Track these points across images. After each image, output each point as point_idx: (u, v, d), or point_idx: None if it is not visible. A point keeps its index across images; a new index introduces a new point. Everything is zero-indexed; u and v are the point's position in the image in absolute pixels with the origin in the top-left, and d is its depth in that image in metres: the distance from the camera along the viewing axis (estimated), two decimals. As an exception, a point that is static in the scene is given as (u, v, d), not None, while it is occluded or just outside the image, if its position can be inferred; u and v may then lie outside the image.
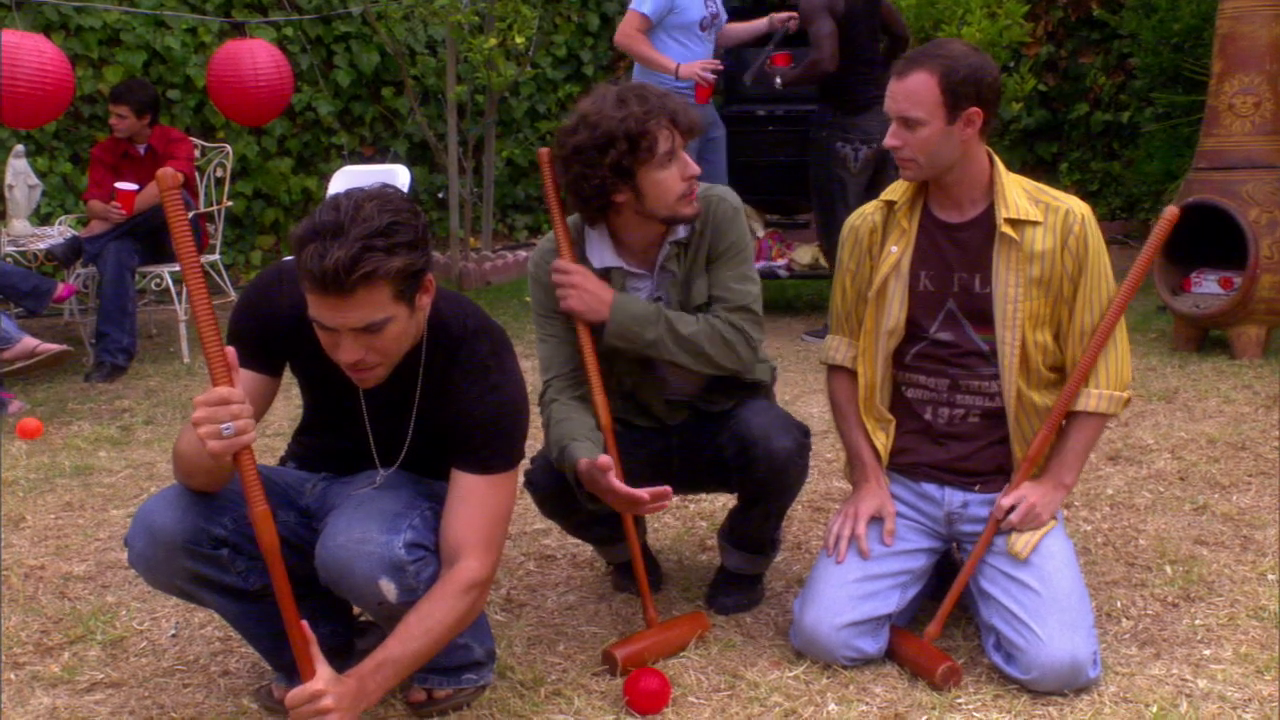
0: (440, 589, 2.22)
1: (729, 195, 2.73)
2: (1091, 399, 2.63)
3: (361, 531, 2.23)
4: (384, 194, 2.11)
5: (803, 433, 2.74)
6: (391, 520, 2.25)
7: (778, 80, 6.01)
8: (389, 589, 2.21)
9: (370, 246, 2.02)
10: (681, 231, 2.68)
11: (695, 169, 2.62)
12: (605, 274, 2.70)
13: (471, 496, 2.27)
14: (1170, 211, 2.63)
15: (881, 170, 5.80)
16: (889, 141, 2.63)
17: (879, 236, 2.73)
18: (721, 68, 5.89)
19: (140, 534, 2.24)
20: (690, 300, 2.72)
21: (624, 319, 2.64)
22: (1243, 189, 5.31)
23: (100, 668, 2.69)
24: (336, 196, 2.10)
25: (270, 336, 2.30)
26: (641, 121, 2.53)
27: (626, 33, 5.90)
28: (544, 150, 2.73)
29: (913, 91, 2.56)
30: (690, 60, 5.84)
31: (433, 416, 2.34)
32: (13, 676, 2.65)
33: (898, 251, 2.69)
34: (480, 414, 2.28)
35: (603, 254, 2.70)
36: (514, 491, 2.36)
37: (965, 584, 2.64)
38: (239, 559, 2.29)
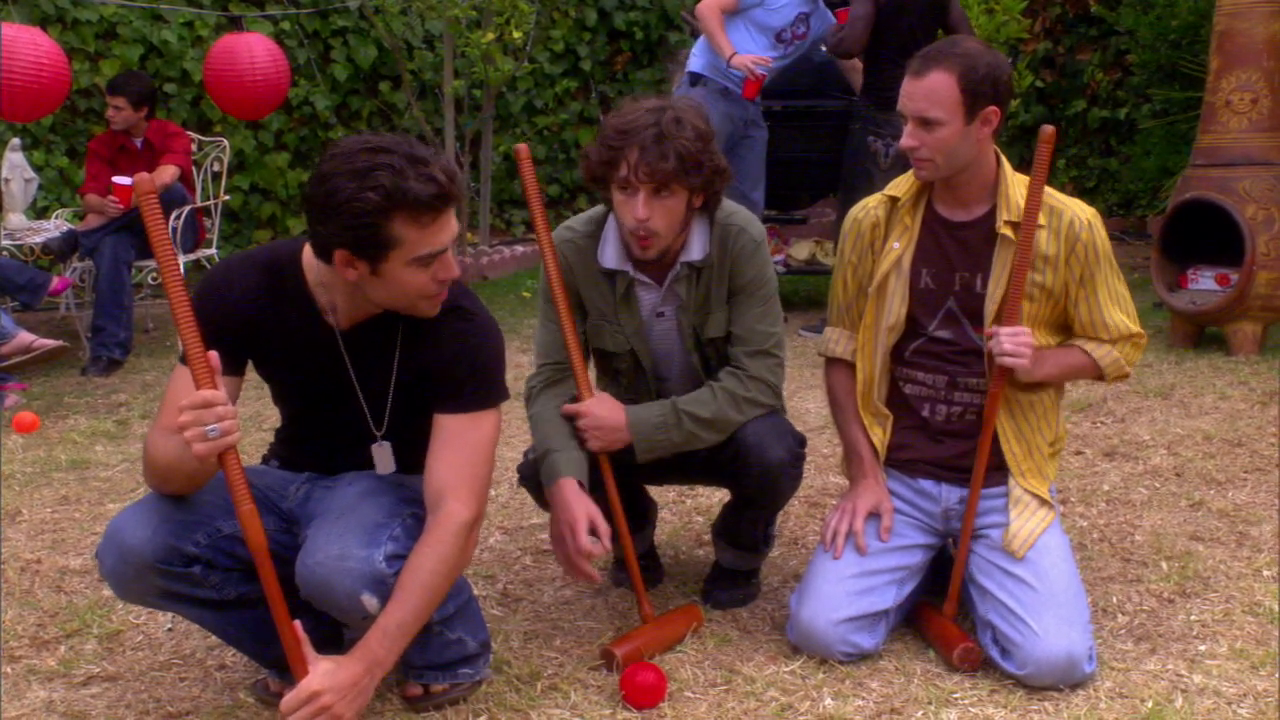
0: (428, 537, 2.21)
1: (751, 226, 2.68)
2: (1103, 352, 2.64)
3: (340, 547, 2.21)
4: (380, 133, 2.20)
5: (798, 442, 2.72)
6: (371, 532, 2.23)
7: (823, 46, 6.03)
8: (371, 603, 2.20)
9: (438, 156, 2.13)
10: (695, 253, 2.66)
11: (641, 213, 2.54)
12: (612, 276, 2.70)
13: (452, 437, 2.26)
14: (1046, 131, 2.50)
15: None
16: (905, 142, 2.59)
17: (881, 231, 2.72)
18: (770, 63, 5.88)
19: (111, 550, 2.22)
20: (705, 332, 2.70)
21: (645, 432, 2.63)
22: (1240, 185, 5.32)
23: (97, 661, 2.69)
24: (351, 144, 2.11)
25: (229, 334, 2.26)
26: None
27: (710, 3, 5.90)
28: (521, 146, 2.68)
29: (932, 91, 2.53)
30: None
31: (413, 364, 2.33)
32: (9, 670, 2.65)
33: (900, 248, 2.68)
34: (455, 350, 2.28)
35: (613, 256, 2.69)
36: (496, 429, 2.33)
37: (966, 553, 2.64)
38: (212, 574, 2.27)
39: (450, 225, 2.16)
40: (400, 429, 2.42)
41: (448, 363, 2.28)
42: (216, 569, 2.27)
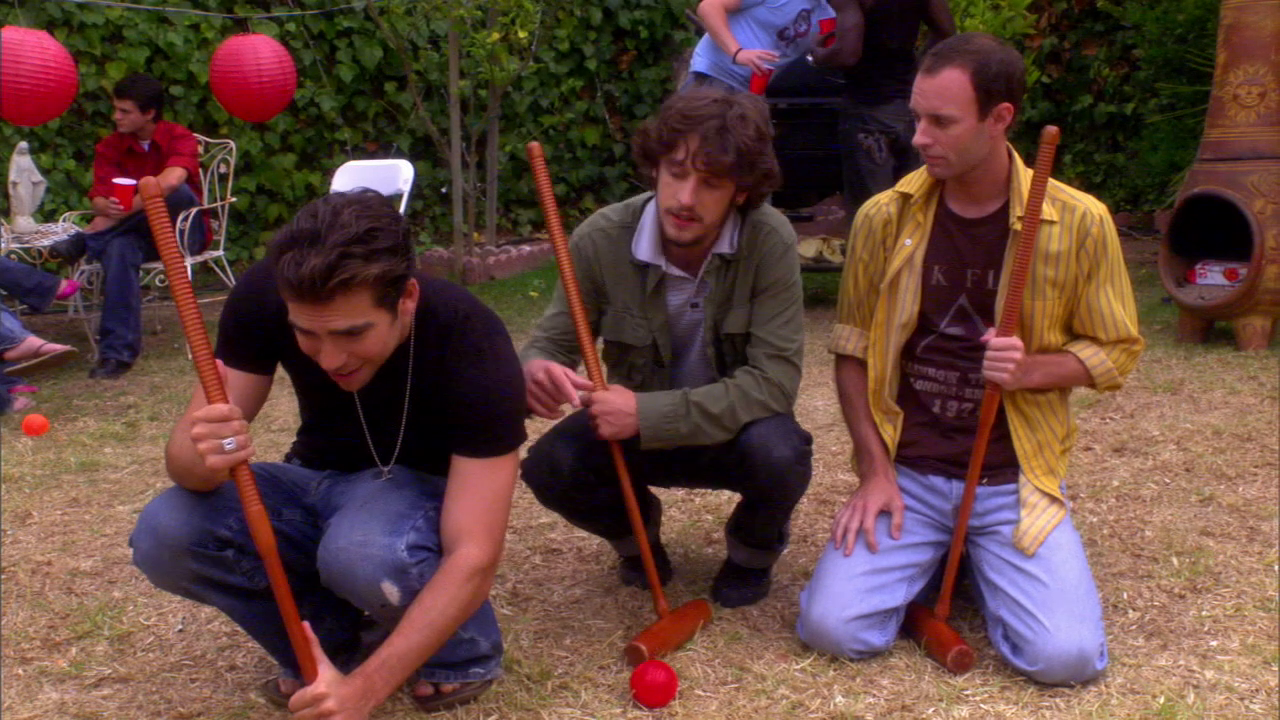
0: (441, 578, 2.22)
1: (783, 229, 2.68)
2: (1097, 360, 2.63)
3: (364, 534, 2.22)
4: (364, 200, 2.10)
5: (803, 440, 2.72)
6: (394, 522, 2.24)
7: (810, 58, 6.04)
8: (391, 591, 2.21)
9: (348, 254, 2.01)
10: (725, 245, 2.65)
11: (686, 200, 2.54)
12: (643, 269, 2.70)
13: (470, 481, 2.27)
14: (1049, 132, 2.41)
15: (907, 159, 5.78)
16: (918, 140, 2.58)
17: (893, 228, 2.72)
18: (777, 58, 5.89)
19: (145, 535, 2.24)
20: (725, 326, 2.70)
21: (654, 420, 2.61)
22: (1248, 180, 5.30)
23: (108, 663, 2.70)
24: (315, 203, 2.09)
25: (259, 334, 2.29)
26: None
27: (713, 2, 5.90)
28: (534, 145, 2.68)
29: (945, 88, 2.52)
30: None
31: (428, 405, 2.33)
32: (21, 672, 2.65)
33: (912, 245, 2.68)
34: (476, 397, 2.27)
35: (648, 248, 2.69)
36: (514, 474, 2.35)
37: (961, 552, 2.64)
38: (244, 559, 2.29)
39: (322, 318, 2.06)
40: (410, 462, 2.43)
41: (465, 410, 2.27)
42: (248, 555, 2.27)
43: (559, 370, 2.57)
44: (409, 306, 2.21)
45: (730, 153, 2.48)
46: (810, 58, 6.08)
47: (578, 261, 2.71)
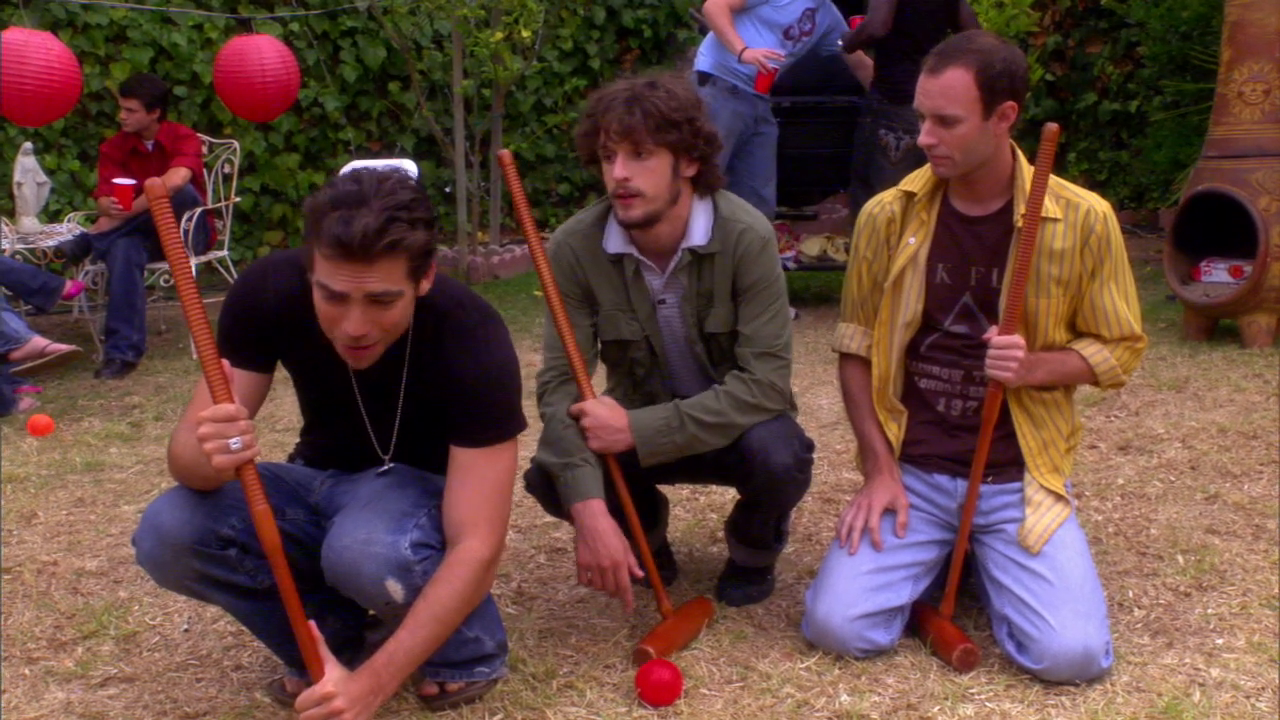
0: (445, 571, 2.22)
1: (757, 224, 2.67)
2: (1100, 358, 2.62)
3: (367, 532, 2.23)
4: (398, 173, 2.14)
5: (804, 447, 2.71)
6: (398, 520, 2.25)
7: (839, 41, 6.08)
8: (396, 589, 2.22)
9: (396, 217, 2.05)
10: (698, 238, 2.65)
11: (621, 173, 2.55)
12: (618, 260, 2.70)
13: (470, 471, 2.27)
14: (1050, 129, 2.42)
15: (922, 162, 5.79)
16: (923, 140, 2.58)
17: (897, 227, 2.71)
18: (783, 57, 5.90)
19: (148, 535, 2.24)
20: (705, 326, 2.69)
21: (648, 435, 2.62)
22: (1252, 177, 5.29)
23: (113, 663, 2.70)
24: (354, 170, 2.12)
25: (259, 331, 2.29)
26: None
27: (718, 1, 5.91)
28: (504, 152, 2.69)
29: (948, 88, 2.52)
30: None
31: (424, 394, 2.33)
32: (26, 672, 2.66)
33: (915, 243, 2.68)
34: (471, 383, 2.27)
35: (617, 240, 2.69)
36: (513, 462, 2.35)
37: (965, 550, 2.64)
38: (247, 558, 2.29)
39: (360, 278, 2.07)
40: (409, 454, 2.43)
41: (462, 398, 2.27)
42: (251, 553, 2.27)
43: (624, 571, 2.56)
44: (424, 287, 2.22)
45: (637, 115, 2.50)
46: (841, 41, 6.10)
47: (560, 269, 2.70)
